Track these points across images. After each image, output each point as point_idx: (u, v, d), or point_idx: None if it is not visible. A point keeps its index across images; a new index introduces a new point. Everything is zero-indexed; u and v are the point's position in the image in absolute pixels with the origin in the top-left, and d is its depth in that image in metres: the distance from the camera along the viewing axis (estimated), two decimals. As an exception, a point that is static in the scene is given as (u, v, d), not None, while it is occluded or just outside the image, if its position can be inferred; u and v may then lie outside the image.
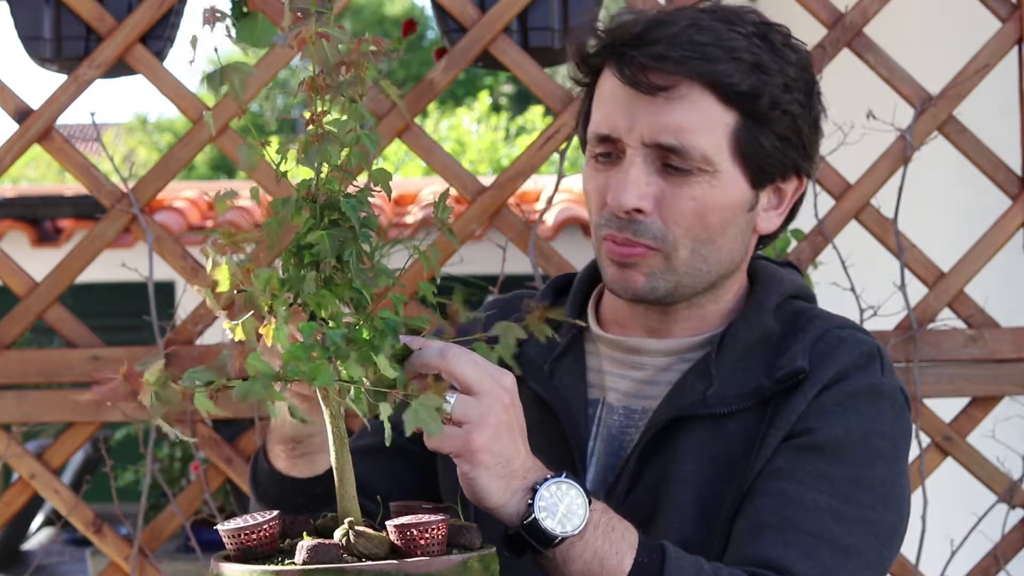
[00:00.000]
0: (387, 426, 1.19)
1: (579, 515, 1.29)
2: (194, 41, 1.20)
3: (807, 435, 1.42)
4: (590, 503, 1.30)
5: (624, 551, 1.31)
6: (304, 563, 1.17)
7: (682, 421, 1.46)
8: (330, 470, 1.29)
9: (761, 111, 1.42)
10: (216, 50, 1.22)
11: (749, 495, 1.42)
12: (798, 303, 1.56)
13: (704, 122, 1.42)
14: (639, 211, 1.43)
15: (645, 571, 1.31)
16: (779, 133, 1.44)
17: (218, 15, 1.20)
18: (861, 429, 1.44)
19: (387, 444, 1.21)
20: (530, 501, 1.28)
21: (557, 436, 1.50)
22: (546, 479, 1.29)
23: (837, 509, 1.40)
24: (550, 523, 1.28)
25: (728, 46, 1.42)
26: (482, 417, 1.26)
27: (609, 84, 1.46)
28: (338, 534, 1.21)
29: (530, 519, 1.28)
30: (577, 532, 1.29)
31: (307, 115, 1.23)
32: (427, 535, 1.19)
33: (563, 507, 1.28)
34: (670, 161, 1.42)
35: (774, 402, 1.45)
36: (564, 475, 1.29)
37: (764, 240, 1.56)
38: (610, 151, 1.46)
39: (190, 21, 2.41)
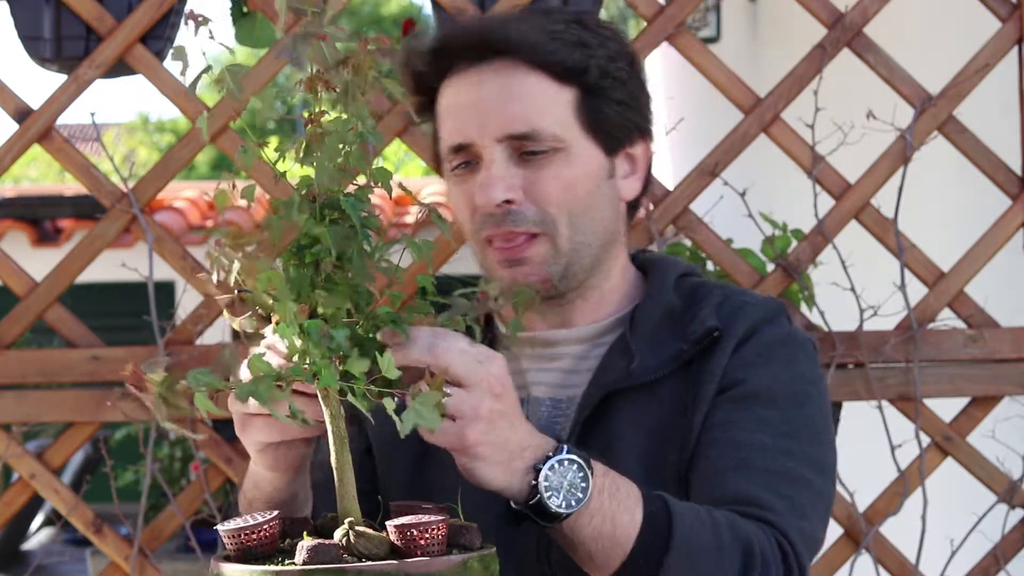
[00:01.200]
0: (396, 420, 1.19)
1: (582, 488, 1.31)
2: (181, 51, 1.20)
3: (738, 386, 1.51)
4: (592, 472, 1.32)
5: (632, 507, 1.34)
6: (304, 563, 1.17)
7: (612, 398, 1.51)
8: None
9: (594, 81, 1.52)
10: (204, 53, 1.22)
11: (699, 449, 1.49)
12: (693, 279, 1.64)
13: (546, 103, 1.50)
14: (509, 202, 1.49)
15: (655, 520, 1.34)
16: (616, 99, 1.54)
17: (200, 19, 1.19)
18: (785, 375, 1.53)
19: (402, 436, 1.21)
20: (533, 481, 1.30)
21: None
22: (547, 457, 1.30)
23: (784, 446, 1.49)
24: (555, 501, 1.30)
25: (548, 30, 1.51)
26: (474, 410, 1.27)
27: (447, 97, 1.53)
28: (338, 534, 1.21)
29: (535, 500, 1.30)
30: (583, 505, 1.31)
31: (306, 115, 1.23)
32: (427, 535, 1.19)
33: (567, 483, 1.30)
34: (525, 148, 1.50)
35: (695, 363, 1.52)
36: (565, 449, 1.31)
37: (631, 209, 1.63)
38: (467, 159, 1.53)
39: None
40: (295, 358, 1.20)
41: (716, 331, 1.52)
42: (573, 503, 1.30)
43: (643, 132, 1.60)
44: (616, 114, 1.54)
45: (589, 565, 1.36)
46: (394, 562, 1.17)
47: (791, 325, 1.59)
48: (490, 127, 1.49)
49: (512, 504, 1.32)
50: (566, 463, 1.30)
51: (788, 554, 1.41)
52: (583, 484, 1.31)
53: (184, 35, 1.21)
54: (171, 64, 2.39)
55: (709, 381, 1.51)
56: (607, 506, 1.33)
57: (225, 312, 1.26)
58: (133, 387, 1.22)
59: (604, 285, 1.59)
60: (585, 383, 1.55)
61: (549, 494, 1.30)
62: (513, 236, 1.50)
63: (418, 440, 1.28)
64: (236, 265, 1.22)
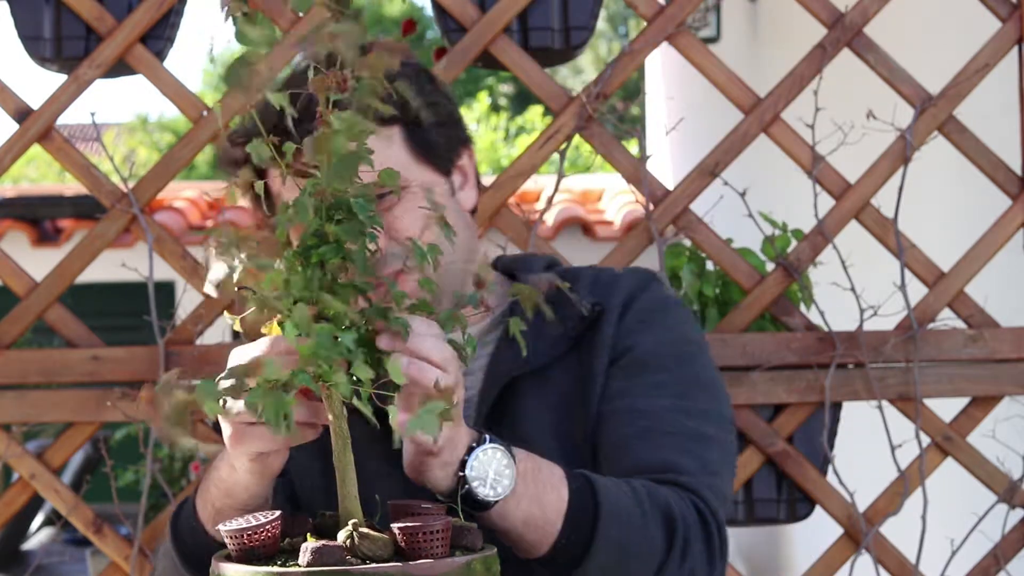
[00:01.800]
0: (395, 428, 1.20)
1: (507, 475, 1.34)
2: (213, 38, 1.20)
3: (627, 354, 1.56)
4: (515, 459, 1.35)
5: (557, 485, 1.39)
6: (309, 565, 1.17)
7: (510, 388, 1.55)
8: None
9: (411, 114, 1.52)
10: (211, 43, 1.22)
11: (601, 422, 1.54)
12: (559, 268, 1.70)
13: (378, 151, 1.42)
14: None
15: (580, 496, 1.39)
16: (436, 122, 1.56)
17: (235, 3, 1.20)
18: (670, 337, 1.59)
19: (396, 447, 1.23)
20: (460, 472, 1.33)
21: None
22: (472, 448, 1.33)
23: (682, 407, 1.54)
24: (483, 491, 1.33)
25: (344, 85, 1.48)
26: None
27: (280, 179, 1.45)
28: (342, 536, 1.21)
29: (464, 490, 1.33)
30: (509, 492, 1.34)
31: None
32: (431, 537, 1.19)
33: (492, 472, 1.34)
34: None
35: (585, 340, 1.57)
36: (488, 439, 1.34)
37: (473, 215, 1.65)
38: None
39: (190, 21, 2.41)
40: (301, 361, 1.20)
41: (598, 305, 1.57)
42: (500, 490, 1.34)
43: (464, 142, 1.63)
44: (440, 135, 1.58)
45: (520, 548, 1.40)
46: (399, 564, 1.17)
47: (663, 289, 1.64)
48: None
49: (439, 498, 1.34)
50: (489, 451, 1.33)
51: (704, 513, 1.47)
52: (507, 471, 1.34)
53: (208, 24, 1.21)
54: (171, 64, 2.39)
55: (600, 353, 1.56)
56: (532, 489, 1.37)
57: (226, 313, 1.26)
58: (148, 408, 1.21)
59: (488, 300, 1.59)
60: (480, 382, 1.58)
61: (476, 483, 1.33)
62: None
63: (323, 444, 1.30)
64: (237, 265, 1.22)
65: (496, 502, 1.34)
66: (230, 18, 1.20)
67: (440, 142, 1.58)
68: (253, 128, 1.31)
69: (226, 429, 1.32)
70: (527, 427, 1.54)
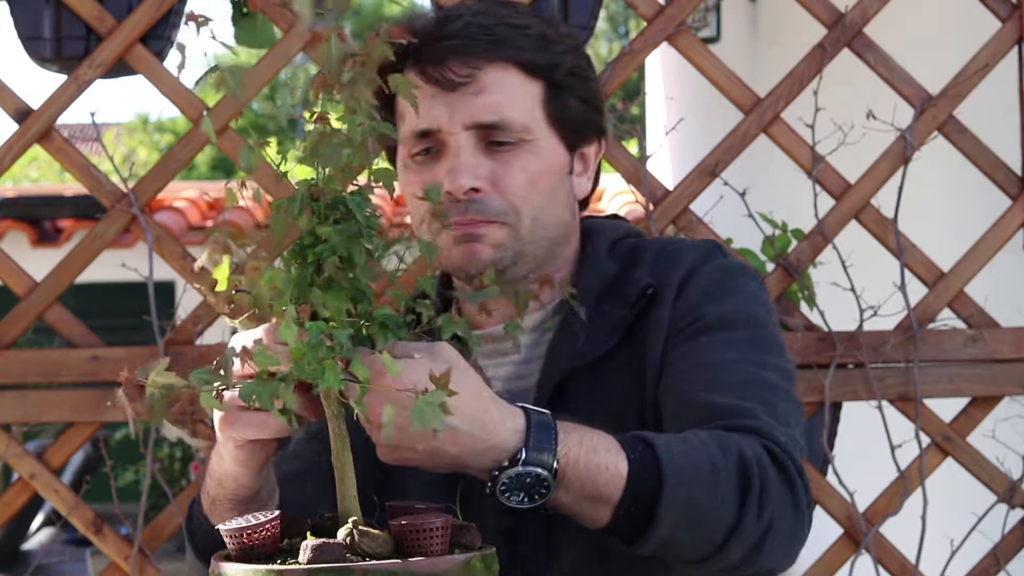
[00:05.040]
0: (388, 425, 1.19)
1: (544, 486, 1.29)
2: (181, 49, 1.20)
3: (694, 324, 1.51)
4: (557, 458, 1.29)
5: (613, 459, 1.33)
6: (309, 562, 1.17)
7: (567, 381, 1.52)
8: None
9: (560, 78, 1.53)
10: (205, 54, 1.22)
11: (665, 388, 1.49)
12: (630, 241, 1.64)
13: (515, 96, 1.51)
14: (476, 190, 1.50)
15: (640, 465, 1.33)
16: (580, 96, 1.56)
17: (201, 19, 1.19)
18: (738, 304, 1.53)
19: (385, 442, 1.21)
20: (490, 485, 1.30)
21: None
22: (503, 468, 1.29)
23: (750, 358, 1.49)
24: (515, 499, 1.30)
25: (515, 24, 1.53)
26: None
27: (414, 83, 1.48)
28: (341, 533, 1.21)
29: (501, 497, 1.30)
30: (547, 498, 1.30)
31: (306, 115, 1.23)
32: (430, 535, 1.19)
33: (526, 486, 1.29)
34: (494, 137, 1.51)
35: (639, 324, 1.53)
36: (523, 454, 1.29)
37: (581, 206, 1.64)
38: (429, 146, 1.52)
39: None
40: (296, 358, 1.20)
41: (650, 288, 1.53)
42: (536, 498, 1.30)
43: (599, 131, 1.62)
44: (579, 111, 1.56)
45: (579, 520, 1.36)
46: (399, 561, 1.17)
47: (726, 259, 1.59)
48: (460, 115, 1.50)
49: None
50: (522, 474, 1.29)
51: (779, 457, 1.39)
52: (544, 484, 1.29)
53: (185, 35, 1.21)
54: (171, 64, 2.39)
55: (656, 336, 1.51)
56: (584, 475, 1.32)
57: (225, 317, 1.26)
58: (125, 393, 1.21)
59: (557, 274, 1.59)
60: (539, 371, 1.55)
61: (507, 495, 1.30)
62: (477, 223, 1.51)
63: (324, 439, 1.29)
64: (232, 265, 1.22)
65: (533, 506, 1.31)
66: (228, 19, 1.19)
67: (577, 116, 1.56)
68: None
69: (217, 412, 1.32)
70: (582, 420, 1.48)
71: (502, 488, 1.30)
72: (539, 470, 1.29)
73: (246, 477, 1.39)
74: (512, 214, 1.51)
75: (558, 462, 1.30)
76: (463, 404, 1.24)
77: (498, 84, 1.51)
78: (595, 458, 1.33)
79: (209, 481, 1.45)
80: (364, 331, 1.24)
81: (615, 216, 1.75)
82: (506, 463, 1.29)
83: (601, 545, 1.42)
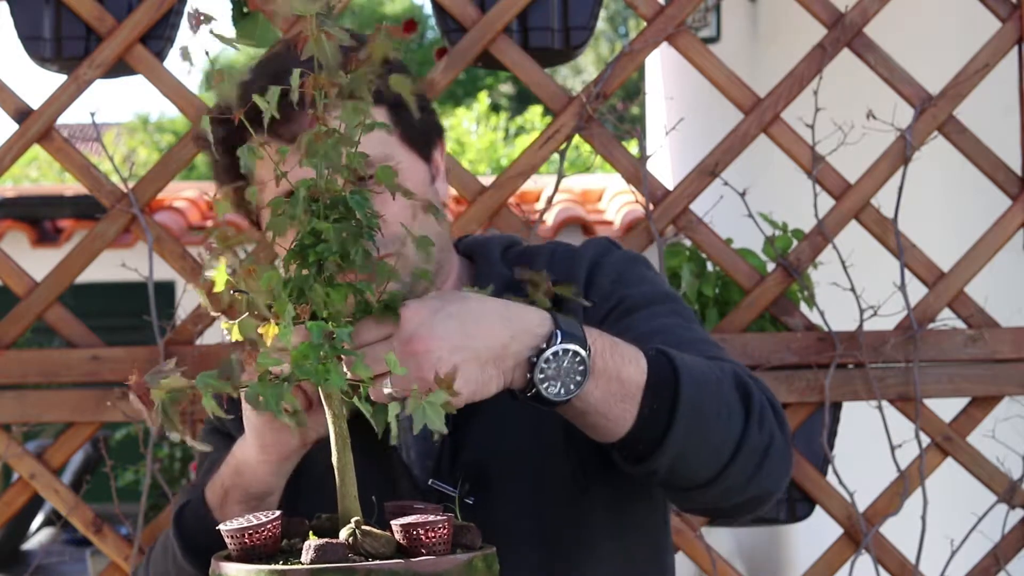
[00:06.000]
0: (393, 424, 1.19)
1: (580, 371, 1.29)
2: (185, 51, 1.20)
3: (618, 307, 1.52)
4: (588, 345, 1.29)
5: (635, 356, 1.33)
6: (312, 562, 1.17)
7: None
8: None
9: (397, 97, 1.48)
10: (207, 53, 1.21)
11: None
12: (517, 248, 1.65)
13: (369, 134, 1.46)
14: None
15: (658, 364, 1.33)
16: (420, 104, 1.51)
17: (203, 17, 1.19)
18: (652, 287, 1.56)
19: (393, 443, 1.21)
20: (528, 374, 1.29)
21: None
22: (541, 350, 1.28)
23: (685, 326, 1.51)
24: (553, 390, 1.29)
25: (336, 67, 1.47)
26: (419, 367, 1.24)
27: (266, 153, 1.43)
28: (344, 533, 1.21)
29: (533, 391, 1.29)
30: (582, 388, 1.29)
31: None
32: (432, 534, 1.19)
33: (563, 372, 1.28)
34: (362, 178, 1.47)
35: None
36: (559, 337, 1.28)
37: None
38: None
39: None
40: (296, 359, 1.20)
41: (554, 283, 1.53)
42: (573, 387, 1.29)
43: (439, 132, 1.61)
44: (423, 121, 1.55)
45: (602, 429, 1.34)
46: (402, 561, 1.17)
47: (625, 250, 1.62)
48: None
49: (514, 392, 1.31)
50: (560, 353, 1.28)
51: (759, 383, 1.41)
52: (580, 367, 1.29)
53: (186, 34, 1.20)
54: (171, 64, 2.39)
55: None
56: (611, 365, 1.31)
57: (224, 323, 1.25)
58: (137, 397, 1.21)
59: (444, 286, 1.59)
60: None
61: (546, 384, 1.29)
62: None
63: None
64: (232, 266, 1.22)
65: (569, 399, 1.30)
66: (228, 19, 1.19)
67: (421, 122, 1.54)
68: (230, 104, 1.27)
69: (249, 426, 1.33)
70: (504, 419, 1.49)
71: (540, 376, 1.28)
72: (576, 347, 1.28)
73: (269, 475, 1.40)
74: (397, 243, 1.46)
75: (589, 348, 1.30)
76: (487, 303, 1.28)
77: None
78: (618, 350, 1.33)
79: (225, 470, 1.45)
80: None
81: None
82: (543, 345, 1.28)
83: (530, 528, 1.42)
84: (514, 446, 1.49)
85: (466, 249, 1.66)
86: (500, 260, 1.61)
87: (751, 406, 1.37)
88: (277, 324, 1.21)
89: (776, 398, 1.43)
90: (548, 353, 1.28)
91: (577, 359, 1.29)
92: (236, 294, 1.23)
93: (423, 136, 1.56)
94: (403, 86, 1.27)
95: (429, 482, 1.50)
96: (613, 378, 1.31)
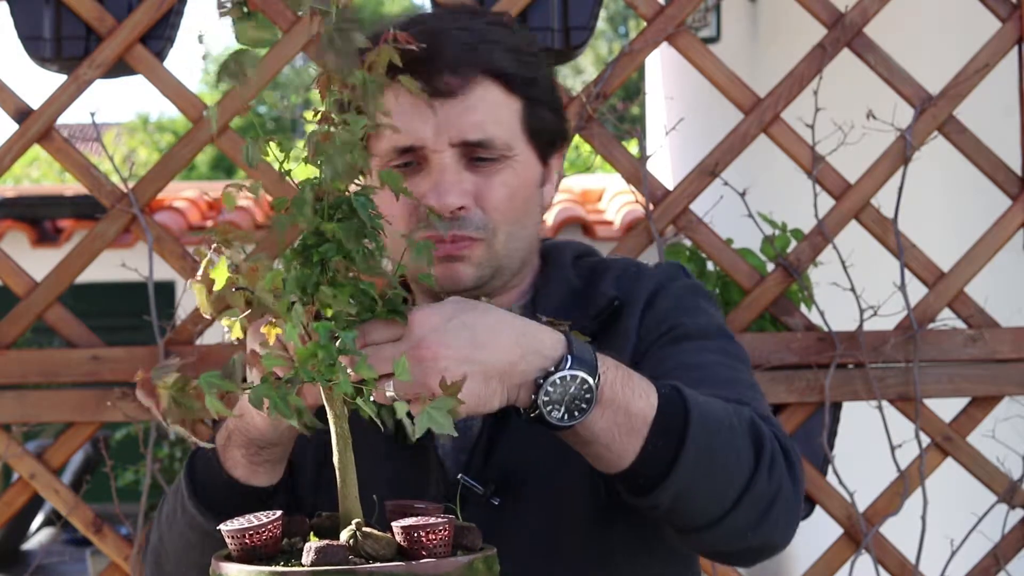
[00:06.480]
0: (407, 423, 1.19)
1: (586, 399, 1.28)
2: (201, 37, 1.20)
3: (671, 332, 1.53)
4: (598, 375, 1.29)
5: (646, 390, 1.33)
6: (312, 564, 1.17)
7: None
8: (284, 480, 1.43)
9: (537, 92, 1.55)
10: (218, 41, 1.21)
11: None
12: (590, 259, 1.67)
13: (499, 113, 1.52)
14: (461, 207, 1.50)
15: (670, 402, 1.33)
16: (552, 106, 1.58)
17: (224, 9, 1.19)
18: (709, 320, 1.58)
19: (413, 440, 1.20)
20: (533, 396, 1.28)
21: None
22: (549, 373, 1.28)
23: (729, 364, 1.52)
24: (556, 415, 1.29)
25: (494, 39, 1.53)
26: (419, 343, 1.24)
27: (394, 98, 1.48)
28: (344, 535, 1.20)
29: (536, 413, 1.29)
30: (587, 415, 1.29)
31: (308, 116, 1.23)
32: (433, 536, 1.19)
33: (568, 397, 1.28)
34: (477, 155, 1.51)
35: (603, 335, 1.53)
36: (569, 362, 1.28)
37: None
38: (409, 160, 1.52)
39: (190, 21, 2.42)
40: (301, 360, 1.19)
41: (616, 300, 1.55)
42: (576, 414, 1.29)
43: (565, 138, 1.63)
44: (552, 123, 1.58)
45: (604, 460, 1.34)
46: (403, 563, 1.17)
47: (693, 279, 1.64)
48: (446, 132, 1.50)
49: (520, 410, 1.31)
50: (568, 378, 1.28)
51: (777, 434, 1.41)
52: (587, 395, 1.28)
53: (202, 25, 1.20)
54: (171, 64, 2.39)
55: (623, 346, 1.52)
56: (620, 397, 1.31)
57: (224, 320, 1.25)
58: (145, 394, 1.20)
59: (517, 286, 1.60)
60: None
61: (549, 408, 1.28)
62: (459, 239, 1.51)
63: (321, 439, 1.28)
64: (232, 265, 1.22)
65: (572, 425, 1.29)
66: (228, 18, 1.19)
67: (551, 128, 1.58)
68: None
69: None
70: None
71: (545, 399, 1.28)
72: (583, 375, 1.28)
73: (272, 432, 1.39)
74: (491, 230, 1.52)
75: (599, 377, 1.30)
76: (504, 318, 1.28)
77: (483, 101, 1.51)
78: (631, 382, 1.33)
79: (232, 421, 1.43)
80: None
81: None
82: (552, 368, 1.28)
83: (550, 537, 1.42)
84: (545, 454, 1.48)
85: (543, 251, 1.67)
86: (570, 266, 1.63)
87: (762, 454, 1.36)
88: (282, 323, 1.21)
89: (794, 449, 1.42)
90: (555, 377, 1.28)
91: (584, 386, 1.28)
92: (237, 292, 1.23)
93: (547, 137, 1.57)
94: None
95: (459, 476, 1.50)
96: (621, 410, 1.31)
